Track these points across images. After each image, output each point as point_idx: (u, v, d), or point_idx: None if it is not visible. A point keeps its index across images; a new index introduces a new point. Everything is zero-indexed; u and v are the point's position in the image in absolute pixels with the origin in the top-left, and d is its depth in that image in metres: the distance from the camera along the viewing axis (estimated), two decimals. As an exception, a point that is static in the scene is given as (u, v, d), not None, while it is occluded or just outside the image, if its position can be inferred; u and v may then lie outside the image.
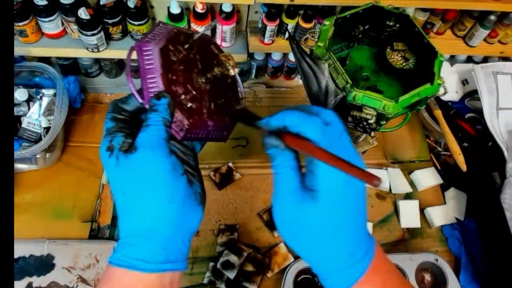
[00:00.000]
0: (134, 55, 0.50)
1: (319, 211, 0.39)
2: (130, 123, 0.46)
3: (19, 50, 0.91)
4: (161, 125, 0.42)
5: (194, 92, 0.49)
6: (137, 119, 0.47)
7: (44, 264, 0.82)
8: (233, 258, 0.83)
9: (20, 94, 0.87)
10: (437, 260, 0.87)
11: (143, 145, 0.41)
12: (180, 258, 0.43)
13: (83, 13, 0.85)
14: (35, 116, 0.89)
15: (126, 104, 0.47)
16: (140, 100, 0.45)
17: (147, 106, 0.44)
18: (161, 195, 0.41)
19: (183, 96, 0.47)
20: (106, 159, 0.42)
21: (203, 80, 0.50)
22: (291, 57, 1.07)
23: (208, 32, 0.96)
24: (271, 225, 0.91)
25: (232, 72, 0.50)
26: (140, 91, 0.46)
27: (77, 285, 0.81)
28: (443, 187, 1.02)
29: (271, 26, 0.94)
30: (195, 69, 0.50)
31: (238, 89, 0.57)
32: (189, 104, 0.48)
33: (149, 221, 0.41)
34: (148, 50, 0.47)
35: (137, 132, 0.43)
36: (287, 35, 0.98)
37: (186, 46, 0.50)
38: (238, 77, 0.57)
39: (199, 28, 0.92)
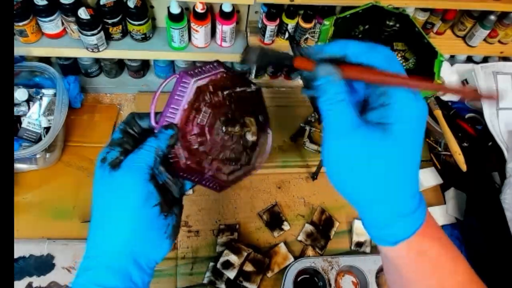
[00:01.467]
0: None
1: (394, 145, 0.35)
2: (136, 140, 0.46)
3: (19, 50, 0.91)
4: (152, 152, 0.43)
5: (207, 138, 0.49)
6: (145, 137, 0.47)
7: (44, 264, 0.82)
8: (233, 258, 0.83)
9: (20, 94, 0.87)
10: (437, 260, 0.87)
11: (126, 166, 0.42)
12: (140, 286, 0.42)
13: (83, 13, 0.85)
14: (35, 116, 0.89)
15: (141, 120, 0.47)
16: (153, 123, 0.46)
17: (156, 131, 0.45)
18: (127, 221, 0.41)
19: (194, 137, 0.48)
20: (97, 169, 0.43)
21: (223, 131, 0.50)
22: (291, 57, 1.07)
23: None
24: (271, 225, 0.91)
25: (249, 137, 0.51)
26: (158, 114, 0.47)
27: (77, 285, 0.81)
28: (443, 187, 1.02)
29: (271, 26, 0.94)
30: (221, 117, 0.50)
31: (254, 159, 0.55)
32: (196, 146, 0.48)
33: (109, 244, 0.41)
34: (186, 83, 0.47)
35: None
36: (287, 35, 0.98)
37: (226, 92, 0.50)
38: (259, 147, 0.55)
39: (199, 28, 0.92)
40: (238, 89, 0.52)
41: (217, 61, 0.51)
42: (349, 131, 0.36)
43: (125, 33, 0.95)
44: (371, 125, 0.36)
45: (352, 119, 0.36)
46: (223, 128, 0.50)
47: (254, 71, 1.12)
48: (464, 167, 0.93)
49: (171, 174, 0.46)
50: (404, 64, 0.79)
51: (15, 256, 0.81)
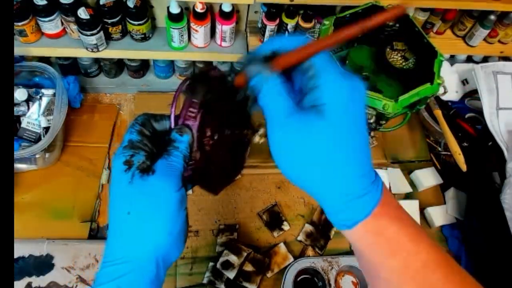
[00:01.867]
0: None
1: (328, 125, 0.35)
2: (153, 142, 0.45)
3: (18, 50, 0.91)
4: (181, 159, 0.43)
5: (216, 140, 0.48)
6: (159, 139, 0.46)
7: (43, 264, 0.82)
8: (233, 258, 0.83)
9: (19, 94, 0.87)
10: (437, 260, 0.87)
11: (162, 172, 0.41)
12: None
13: (82, 13, 0.85)
14: (34, 116, 0.89)
15: (157, 123, 0.47)
16: (173, 126, 0.45)
17: (174, 134, 0.45)
18: (164, 224, 0.41)
19: (207, 139, 0.47)
20: (120, 174, 0.41)
21: (232, 132, 0.49)
22: (291, 57, 1.07)
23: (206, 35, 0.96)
24: (271, 225, 0.91)
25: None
26: (176, 116, 0.47)
27: (77, 285, 0.81)
28: (443, 187, 1.02)
29: (271, 26, 0.94)
30: (223, 117, 0.48)
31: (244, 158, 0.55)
32: (208, 148, 0.47)
33: (145, 248, 0.41)
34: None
35: (155, 155, 0.43)
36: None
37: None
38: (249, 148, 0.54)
39: (198, 28, 0.92)
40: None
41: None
42: (284, 119, 0.36)
43: (124, 33, 0.95)
44: (305, 110, 0.37)
45: (290, 106, 0.37)
46: (234, 130, 0.49)
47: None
48: (464, 167, 0.93)
49: (190, 180, 0.46)
50: (404, 64, 0.79)
51: (15, 256, 0.81)
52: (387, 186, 0.99)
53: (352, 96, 0.36)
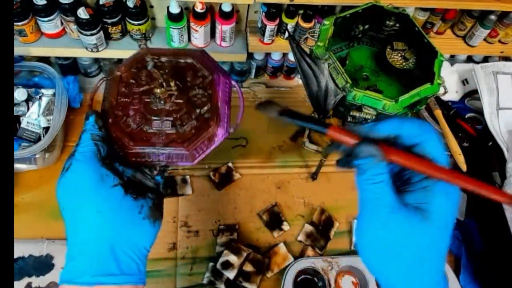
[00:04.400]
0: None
1: (432, 232, 0.35)
2: None
3: (18, 50, 0.91)
4: (89, 141, 0.46)
5: (145, 116, 0.54)
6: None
7: (43, 264, 0.81)
8: (233, 258, 0.83)
9: (19, 94, 0.87)
10: (437, 260, 0.87)
11: (74, 161, 0.44)
12: (126, 271, 0.42)
13: (82, 13, 0.85)
14: (34, 116, 0.89)
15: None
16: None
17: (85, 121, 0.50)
18: (89, 204, 0.43)
19: (129, 119, 0.53)
20: (58, 178, 0.46)
21: (155, 100, 0.54)
22: (291, 57, 1.07)
23: (202, 38, 0.96)
24: (270, 225, 0.90)
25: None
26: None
27: (77, 285, 0.81)
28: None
29: (270, 26, 0.94)
30: (155, 90, 0.54)
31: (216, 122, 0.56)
32: (135, 127, 0.53)
33: (83, 232, 0.43)
34: (106, 78, 0.56)
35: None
36: (286, 34, 0.98)
37: (151, 66, 0.55)
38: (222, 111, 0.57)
39: (198, 28, 0.92)
40: (164, 60, 0.57)
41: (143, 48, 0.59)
42: (386, 214, 0.35)
43: (124, 33, 0.95)
44: (410, 209, 0.36)
45: (391, 202, 0.35)
46: (154, 98, 0.54)
47: (254, 71, 1.12)
48: (464, 167, 0.93)
49: (125, 163, 0.49)
50: (404, 64, 0.79)
51: (15, 256, 0.81)
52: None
53: (456, 208, 0.37)
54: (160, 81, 0.53)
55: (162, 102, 0.54)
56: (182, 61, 0.58)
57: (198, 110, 0.55)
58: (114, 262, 0.42)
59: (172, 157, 0.52)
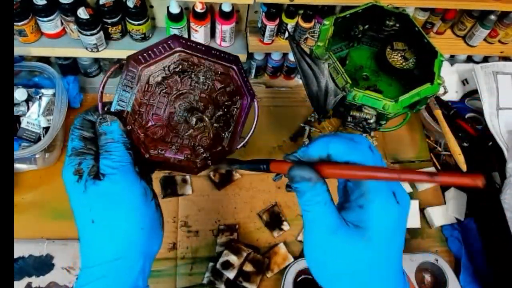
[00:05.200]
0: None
1: (372, 250, 0.35)
2: (96, 142, 0.43)
3: (18, 50, 0.91)
4: (123, 149, 0.41)
5: (167, 129, 0.47)
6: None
7: (43, 264, 0.81)
8: (233, 258, 0.83)
9: (19, 94, 0.87)
10: (437, 260, 0.87)
11: (112, 171, 0.40)
12: (144, 284, 0.42)
13: (82, 13, 0.85)
14: (34, 116, 0.89)
15: (92, 116, 0.45)
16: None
17: (99, 127, 0.43)
18: (133, 221, 0.40)
19: (153, 128, 0.46)
20: (72, 184, 0.40)
21: (186, 121, 0.47)
22: (291, 57, 1.07)
23: (203, 37, 0.95)
24: (271, 225, 0.90)
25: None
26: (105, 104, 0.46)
27: (77, 285, 0.81)
28: (443, 187, 1.02)
29: (270, 26, 0.94)
30: (183, 104, 0.47)
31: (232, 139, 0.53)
32: (156, 137, 0.46)
33: (121, 248, 0.40)
34: (132, 72, 0.45)
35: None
36: (286, 34, 0.98)
37: (185, 75, 0.47)
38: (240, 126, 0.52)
39: (198, 28, 0.92)
40: (201, 69, 0.48)
41: (174, 37, 0.46)
42: (328, 234, 0.36)
43: (124, 33, 0.95)
44: (349, 228, 0.36)
45: (330, 222, 0.36)
46: (187, 119, 0.47)
47: (254, 71, 1.12)
48: (464, 167, 0.93)
49: (145, 168, 0.45)
50: (404, 64, 0.79)
51: (15, 256, 0.81)
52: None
53: (398, 224, 0.36)
54: (199, 115, 0.47)
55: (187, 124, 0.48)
56: (218, 71, 0.49)
57: (221, 134, 0.51)
58: (141, 275, 0.42)
59: (180, 170, 0.49)
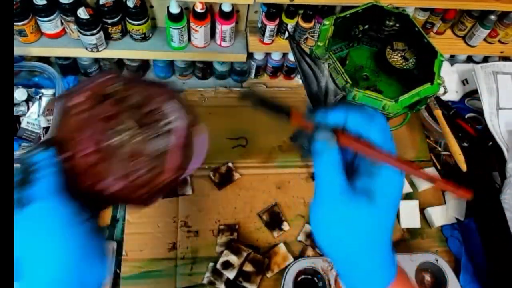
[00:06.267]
0: None
1: (378, 212, 0.38)
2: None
3: (18, 50, 0.91)
4: (50, 175, 0.40)
5: (101, 154, 0.44)
6: None
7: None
8: (233, 258, 0.83)
9: (19, 94, 0.87)
10: (437, 260, 0.87)
11: (34, 196, 0.38)
12: None
13: (82, 13, 0.85)
14: (34, 116, 0.89)
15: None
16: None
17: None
18: (64, 243, 0.37)
19: (87, 155, 0.43)
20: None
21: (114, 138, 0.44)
22: (291, 57, 1.07)
23: (202, 34, 0.95)
24: (270, 225, 0.90)
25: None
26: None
27: (77, 285, 0.81)
28: (443, 187, 1.02)
29: (270, 26, 0.94)
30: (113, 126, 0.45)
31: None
32: (91, 163, 0.43)
33: (53, 274, 0.37)
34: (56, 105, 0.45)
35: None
36: (286, 34, 0.98)
37: (111, 99, 0.45)
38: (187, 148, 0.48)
39: (198, 28, 0.92)
40: (129, 93, 0.46)
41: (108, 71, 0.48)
42: (337, 195, 0.38)
43: (124, 33, 0.95)
44: (357, 192, 0.38)
45: (341, 184, 0.38)
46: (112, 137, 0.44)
47: (254, 71, 1.12)
48: (464, 167, 0.93)
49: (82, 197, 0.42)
50: (404, 64, 0.79)
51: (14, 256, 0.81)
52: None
53: (399, 192, 0.40)
54: (123, 127, 0.45)
55: (121, 144, 0.45)
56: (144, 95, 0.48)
57: (155, 147, 0.46)
58: None
59: (126, 201, 0.46)
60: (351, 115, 0.40)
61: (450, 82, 1.12)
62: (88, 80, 0.47)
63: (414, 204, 0.96)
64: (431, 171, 1.03)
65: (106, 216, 0.89)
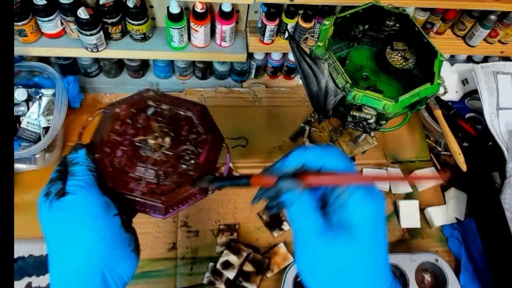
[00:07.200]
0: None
1: (358, 246, 0.37)
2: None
3: (18, 50, 0.91)
4: (85, 169, 0.46)
5: (132, 160, 0.52)
6: None
7: (43, 264, 0.81)
8: (233, 258, 0.83)
9: (19, 94, 0.87)
10: (437, 260, 0.87)
11: (74, 189, 0.44)
12: None
13: (82, 13, 0.85)
14: (34, 116, 0.89)
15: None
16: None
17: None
18: (91, 229, 0.42)
19: (118, 159, 0.52)
20: (40, 204, 0.45)
21: (144, 148, 0.53)
22: (291, 57, 1.07)
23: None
24: (270, 225, 0.90)
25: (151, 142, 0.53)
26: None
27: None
28: (443, 187, 1.02)
29: (270, 26, 0.94)
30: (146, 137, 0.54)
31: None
32: (118, 166, 0.51)
33: (83, 259, 0.42)
34: (105, 112, 0.55)
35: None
36: (286, 34, 0.98)
37: (150, 112, 0.56)
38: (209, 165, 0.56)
39: (198, 28, 0.92)
40: (164, 108, 0.57)
41: (147, 89, 0.58)
42: (316, 239, 0.38)
43: (124, 33, 0.95)
44: (335, 229, 0.38)
45: (320, 225, 0.38)
46: (142, 144, 0.53)
47: (254, 71, 1.12)
48: (464, 167, 0.93)
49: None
50: (404, 64, 0.79)
51: (15, 256, 0.81)
52: (387, 186, 0.99)
53: (377, 216, 0.38)
54: (155, 134, 0.53)
55: (151, 151, 0.53)
56: (182, 113, 0.58)
57: (184, 166, 0.53)
58: None
59: (146, 207, 0.51)
60: (306, 155, 0.40)
61: (450, 82, 1.12)
62: (129, 96, 0.57)
63: (414, 204, 0.96)
64: (431, 170, 1.03)
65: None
